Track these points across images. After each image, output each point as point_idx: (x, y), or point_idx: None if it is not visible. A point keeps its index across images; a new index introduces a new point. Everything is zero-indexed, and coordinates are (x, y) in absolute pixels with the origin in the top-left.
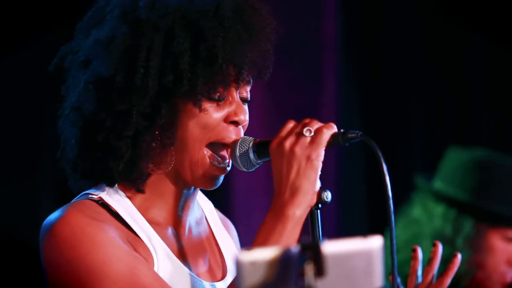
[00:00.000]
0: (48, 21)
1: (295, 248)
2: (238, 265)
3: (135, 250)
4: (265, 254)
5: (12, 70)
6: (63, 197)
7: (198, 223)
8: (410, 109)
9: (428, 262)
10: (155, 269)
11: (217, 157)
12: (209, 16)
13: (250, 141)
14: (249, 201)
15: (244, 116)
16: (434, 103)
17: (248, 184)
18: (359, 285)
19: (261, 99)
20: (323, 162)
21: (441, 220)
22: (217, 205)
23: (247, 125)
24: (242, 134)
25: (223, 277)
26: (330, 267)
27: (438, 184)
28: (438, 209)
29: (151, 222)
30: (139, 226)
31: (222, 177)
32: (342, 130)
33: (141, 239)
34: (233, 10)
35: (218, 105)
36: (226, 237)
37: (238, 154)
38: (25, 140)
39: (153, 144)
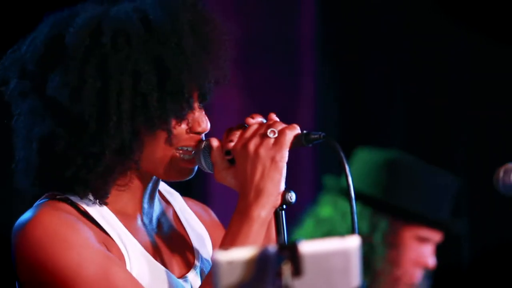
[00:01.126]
0: (33, 20)
1: (272, 247)
2: (215, 264)
3: (108, 249)
4: (242, 253)
5: None
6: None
7: (165, 214)
8: (389, 109)
9: None
10: (128, 268)
11: (182, 152)
12: (171, 47)
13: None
14: (227, 204)
15: (206, 125)
16: (414, 103)
17: (224, 186)
18: (337, 284)
19: (238, 99)
20: (299, 162)
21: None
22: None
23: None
24: (203, 138)
25: (190, 269)
26: (308, 267)
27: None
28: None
29: (119, 213)
30: (109, 224)
31: (195, 168)
32: (305, 131)
33: (112, 239)
34: (192, 32)
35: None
36: (197, 225)
37: (203, 160)
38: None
39: (121, 171)
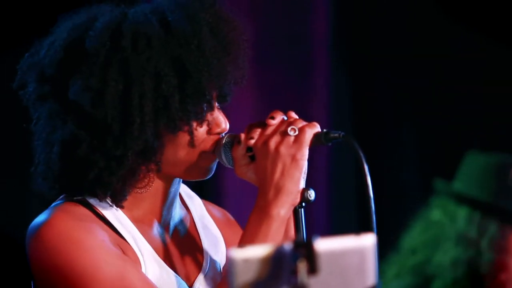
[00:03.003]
0: (47, 21)
1: (288, 245)
2: (231, 262)
3: (123, 252)
4: (258, 251)
5: (11, 69)
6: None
7: (182, 221)
8: (403, 108)
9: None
10: (143, 271)
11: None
12: (191, 49)
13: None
14: (241, 203)
15: (226, 125)
16: (427, 102)
17: (240, 185)
18: (352, 282)
19: (252, 98)
20: (313, 161)
21: (465, 222)
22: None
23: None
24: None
25: (197, 275)
26: (323, 265)
27: (459, 187)
28: (461, 212)
29: (135, 221)
30: (124, 228)
31: (214, 166)
32: (324, 130)
33: (127, 242)
34: (211, 33)
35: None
36: (213, 232)
37: (223, 155)
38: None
39: (142, 172)
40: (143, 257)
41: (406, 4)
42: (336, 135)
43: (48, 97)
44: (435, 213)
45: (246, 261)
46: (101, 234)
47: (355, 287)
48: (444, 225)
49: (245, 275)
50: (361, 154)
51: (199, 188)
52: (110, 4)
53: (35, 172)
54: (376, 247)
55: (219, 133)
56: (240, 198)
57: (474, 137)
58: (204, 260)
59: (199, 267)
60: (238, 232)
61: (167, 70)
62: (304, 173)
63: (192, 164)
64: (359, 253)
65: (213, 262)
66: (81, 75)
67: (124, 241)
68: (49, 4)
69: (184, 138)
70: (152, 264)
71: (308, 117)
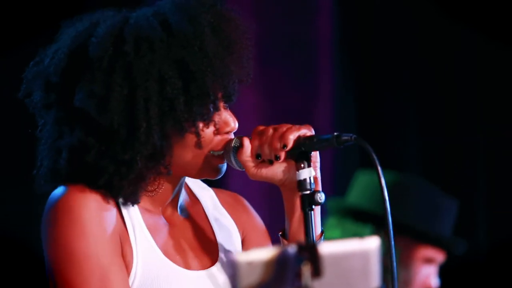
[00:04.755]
0: (47, 22)
1: (292, 248)
2: (235, 265)
3: (121, 243)
4: (262, 254)
5: (12, 70)
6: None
7: (190, 211)
8: (406, 108)
9: None
10: (134, 263)
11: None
12: (194, 51)
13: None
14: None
15: (234, 123)
16: (430, 103)
17: (243, 186)
18: (356, 285)
19: (256, 99)
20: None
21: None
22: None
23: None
24: (232, 136)
25: (214, 264)
26: (327, 268)
27: (356, 204)
28: (365, 230)
29: (142, 208)
30: (130, 217)
31: (224, 166)
32: (335, 133)
33: (127, 232)
34: (213, 33)
35: (211, 124)
36: (226, 222)
37: (233, 158)
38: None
39: (152, 176)
40: (136, 247)
41: (410, 5)
42: (348, 138)
43: (54, 105)
44: (334, 233)
45: (250, 264)
46: (107, 222)
47: None
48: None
49: (249, 278)
50: (375, 156)
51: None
52: (112, 9)
53: (37, 174)
54: (381, 249)
55: (228, 132)
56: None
57: (479, 141)
58: (217, 251)
59: (210, 258)
60: (251, 218)
61: (171, 73)
62: (318, 176)
63: (202, 165)
64: (363, 256)
65: (228, 252)
66: (85, 82)
67: (125, 231)
68: (52, 9)
69: (192, 139)
70: (147, 255)
71: (312, 117)
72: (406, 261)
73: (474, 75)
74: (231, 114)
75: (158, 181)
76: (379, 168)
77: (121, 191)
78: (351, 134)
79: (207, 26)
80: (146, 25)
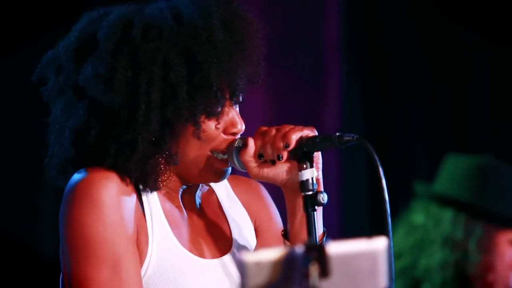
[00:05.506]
0: (48, 21)
1: (299, 249)
2: (243, 265)
3: (138, 229)
4: (269, 254)
5: (13, 70)
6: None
7: (205, 201)
8: (414, 109)
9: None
10: (149, 250)
11: (216, 153)
12: (202, 41)
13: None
14: None
15: (241, 125)
16: (438, 103)
17: None
18: (364, 286)
19: (264, 100)
20: (324, 163)
21: (450, 225)
22: None
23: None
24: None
25: (227, 253)
26: (335, 268)
27: (442, 189)
28: (446, 214)
29: (161, 195)
30: (148, 203)
31: (229, 170)
32: (337, 134)
33: (145, 219)
34: (223, 28)
35: (215, 120)
36: (238, 211)
37: (235, 159)
38: (26, 139)
39: (160, 165)
40: (153, 235)
41: (417, 7)
42: (350, 138)
43: (65, 89)
44: (418, 217)
45: (258, 264)
46: (127, 209)
47: None
48: (428, 228)
49: (257, 278)
50: (376, 157)
51: None
52: (130, 3)
53: (48, 164)
54: (388, 250)
55: (234, 134)
56: None
57: (487, 141)
58: (230, 241)
59: (223, 247)
60: (265, 207)
61: (177, 61)
62: (320, 177)
63: (204, 166)
64: (371, 256)
65: (242, 240)
66: (91, 62)
67: (143, 217)
68: (51, 9)
69: (194, 132)
70: (162, 242)
71: (320, 118)
72: (488, 245)
73: (483, 76)
74: (238, 115)
75: (168, 173)
76: (379, 168)
77: (132, 174)
78: (353, 134)
79: (217, 18)
80: (158, 15)
